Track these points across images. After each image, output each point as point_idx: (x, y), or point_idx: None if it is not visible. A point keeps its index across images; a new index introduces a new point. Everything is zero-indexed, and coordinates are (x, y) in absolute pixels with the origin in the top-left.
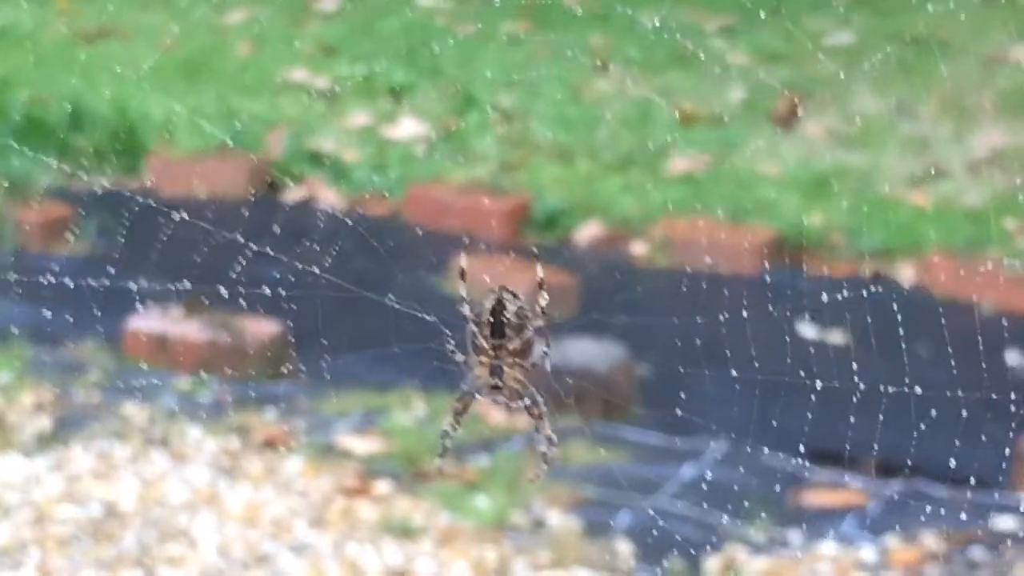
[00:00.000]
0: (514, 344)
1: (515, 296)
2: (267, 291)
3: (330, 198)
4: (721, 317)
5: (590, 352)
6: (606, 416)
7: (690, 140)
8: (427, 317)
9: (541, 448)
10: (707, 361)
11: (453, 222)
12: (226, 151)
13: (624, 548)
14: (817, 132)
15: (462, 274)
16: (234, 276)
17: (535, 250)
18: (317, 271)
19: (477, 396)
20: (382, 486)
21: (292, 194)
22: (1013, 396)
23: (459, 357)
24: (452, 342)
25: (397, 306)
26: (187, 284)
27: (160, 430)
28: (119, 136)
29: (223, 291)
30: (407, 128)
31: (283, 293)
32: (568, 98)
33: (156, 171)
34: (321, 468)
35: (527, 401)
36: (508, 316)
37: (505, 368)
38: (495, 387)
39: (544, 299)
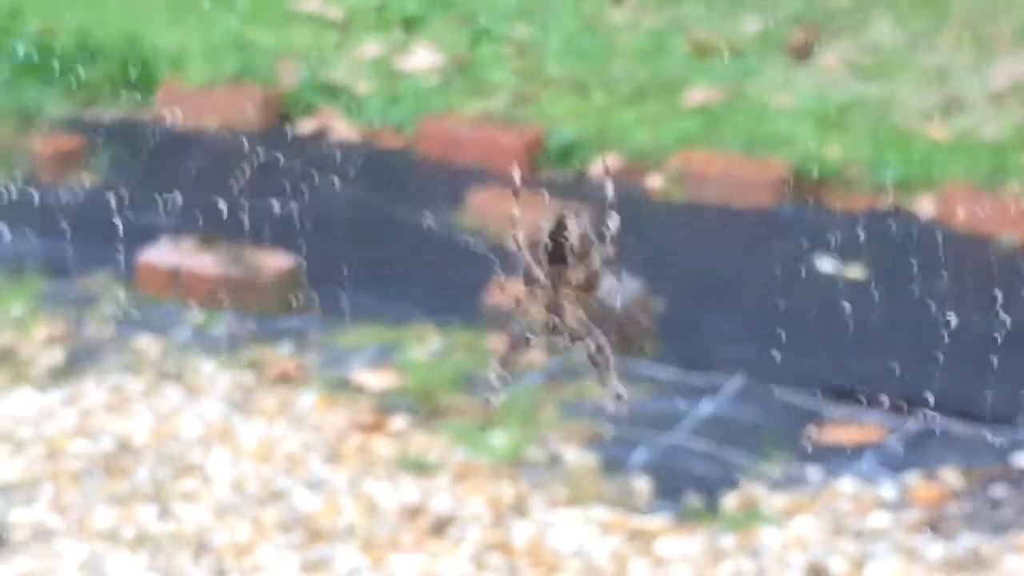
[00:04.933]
0: (578, 274)
1: (579, 217)
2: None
3: (343, 130)
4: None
5: (606, 286)
6: (622, 351)
7: (705, 72)
8: (470, 240)
9: (609, 408)
10: (726, 296)
11: (466, 155)
12: (238, 82)
13: (641, 485)
14: (833, 63)
15: (515, 191)
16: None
17: (607, 164)
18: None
19: (530, 339)
20: (398, 422)
21: (305, 126)
22: None
23: (511, 293)
24: (501, 274)
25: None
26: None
27: (174, 364)
28: (130, 67)
29: (222, 207)
30: (420, 59)
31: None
32: (582, 30)
33: (167, 102)
34: (336, 403)
35: (591, 346)
36: (569, 237)
37: (566, 304)
38: (552, 328)
39: (615, 222)
